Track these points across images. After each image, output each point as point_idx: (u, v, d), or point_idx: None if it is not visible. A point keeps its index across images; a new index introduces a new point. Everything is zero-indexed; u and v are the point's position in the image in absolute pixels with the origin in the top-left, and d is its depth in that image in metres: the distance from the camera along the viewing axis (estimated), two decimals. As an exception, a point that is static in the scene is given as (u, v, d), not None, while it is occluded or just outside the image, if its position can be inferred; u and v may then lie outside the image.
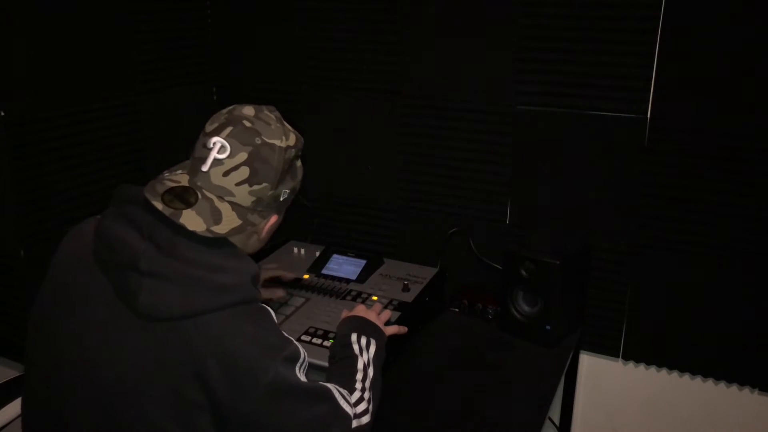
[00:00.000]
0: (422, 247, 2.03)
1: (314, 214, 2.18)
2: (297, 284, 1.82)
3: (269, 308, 1.08)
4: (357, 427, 1.11)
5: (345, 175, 2.11)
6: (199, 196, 1.02)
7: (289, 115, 2.07)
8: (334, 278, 1.86)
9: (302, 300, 1.75)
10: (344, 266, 1.90)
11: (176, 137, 1.96)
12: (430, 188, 2.00)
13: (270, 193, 1.07)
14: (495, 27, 1.79)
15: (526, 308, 1.74)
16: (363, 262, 1.90)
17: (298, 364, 1.05)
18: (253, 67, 2.16)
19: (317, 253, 1.97)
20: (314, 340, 1.57)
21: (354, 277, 1.85)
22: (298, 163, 1.16)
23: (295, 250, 2.03)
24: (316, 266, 1.91)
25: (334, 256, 1.94)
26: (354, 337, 1.32)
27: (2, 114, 1.54)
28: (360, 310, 1.46)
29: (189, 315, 0.97)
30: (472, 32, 1.82)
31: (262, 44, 2.12)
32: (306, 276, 1.87)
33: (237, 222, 1.04)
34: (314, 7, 2.00)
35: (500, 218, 1.93)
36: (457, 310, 1.90)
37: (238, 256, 1.05)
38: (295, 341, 1.07)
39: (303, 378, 1.05)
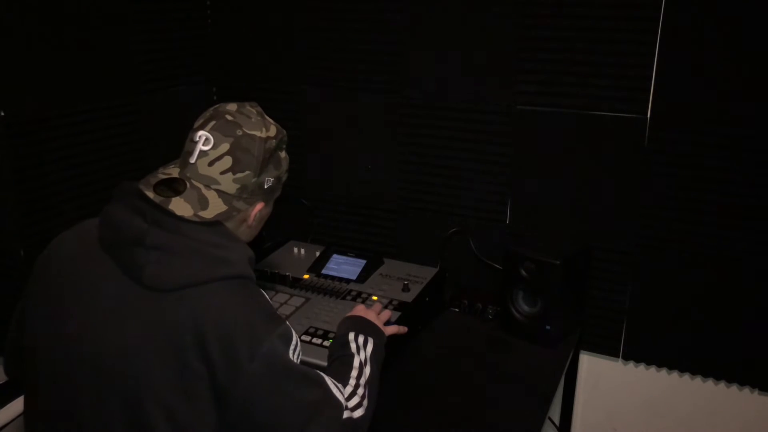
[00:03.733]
0: (422, 247, 2.03)
1: (314, 214, 2.18)
2: (297, 284, 1.82)
3: (264, 292, 1.13)
4: (348, 419, 1.12)
5: (345, 175, 2.11)
6: (188, 185, 1.09)
7: (290, 115, 2.10)
8: (334, 278, 1.86)
9: (302, 300, 1.75)
10: (344, 266, 1.90)
11: (176, 137, 1.95)
12: (430, 188, 2.00)
13: (253, 180, 1.14)
14: (495, 27, 1.79)
15: (526, 308, 1.74)
16: (363, 262, 1.90)
17: (292, 346, 1.08)
18: (253, 67, 2.16)
19: (317, 253, 1.97)
20: (314, 340, 1.57)
21: (354, 277, 1.85)
22: (283, 154, 1.22)
23: (295, 250, 2.03)
24: (316, 266, 1.91)
25: (334, 256, 1.94)
26: (352, 335, 1.33)
27: (2, 114, 1.54)
28: (359, 310, 1.46)
29: (191, 284, 1.03)
30: (472, 32, 1.82)
31: (262, 44, 2.12)
32: (306, 276, 1.87)
33: (223, 208, 1.10)
34: (315, 7, 2.00)
35: (500, 218, 1.93)
36: (457, 310, 1.90)
37: (234, 238, 1.13)
38: (288, 323, 1.11)
39: (297, 361, 1.09)
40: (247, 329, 1.02)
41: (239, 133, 1.12)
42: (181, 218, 1.05)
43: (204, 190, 1.10)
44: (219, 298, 1.03)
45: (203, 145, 1.10)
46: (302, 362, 1.11)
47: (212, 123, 1.12)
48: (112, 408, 1.02)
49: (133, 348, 1.01)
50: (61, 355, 1.06)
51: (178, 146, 1.15)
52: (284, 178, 1.23)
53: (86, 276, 1.08)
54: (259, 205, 1.18)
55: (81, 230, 1.16)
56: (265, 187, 1.17)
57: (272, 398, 1.03)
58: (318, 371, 1.13)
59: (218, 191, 1.10)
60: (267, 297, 1.12)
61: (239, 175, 1.11)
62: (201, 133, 1.11)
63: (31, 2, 1.58)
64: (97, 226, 1.11)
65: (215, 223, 1.09)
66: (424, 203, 2.02)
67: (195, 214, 1.07)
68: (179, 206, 1.06)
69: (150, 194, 1.06)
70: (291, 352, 1.07)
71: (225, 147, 1.10)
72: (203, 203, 1.08)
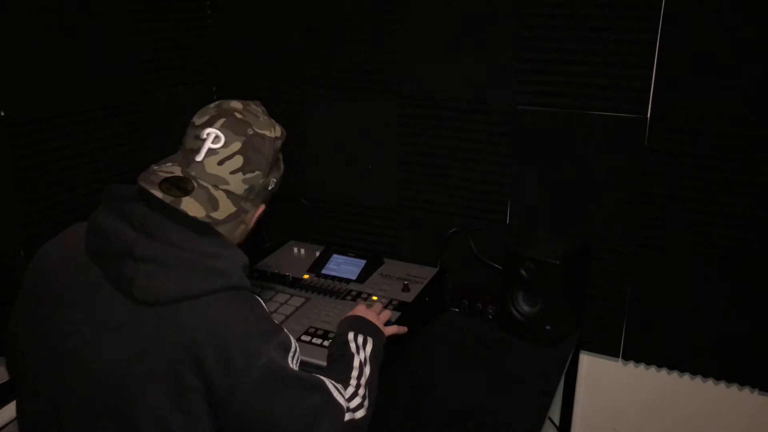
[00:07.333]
0: (422, 247, 2.03)
1: (314, 214, 2.18)
2: (297, 284, 1.82)
3: (259, 298, 1.10)
4: (350, 420, 1.12)
5: (345, 175, 2.11)
6: (195, 184, 1.05)
7: (289, 115, 2.10)
8: (334, 278, 1.86)
9: (302, 300, 1.75)
10: (344, 266, 1.90)
11: (176, 137, 1.96)
12: (430, 188, 2.00)
13: (261, 181, 1.11)
14: (495, 27, 1.79)
15: (526, 308, 1.74)
16: (363, 262, 1.90)
17: (291, 353, 1.06)
18: (253, 67, 2.16)
19: (317, 253, 1.97)
20: (314, 340, 1.57)
21: (354, 277, 1.85)
22: (280, 156, 1.20)
23: (295, 250, 2.03)
24: (316, 266, 1.91)
25: (334, 256, 1.94)
26: (351, 335, 1.33)
27: (2, 114, 1.54)
28: (360, 310, 1.45)
29: (184, 298, 0.99)
30: (472, 32, 1.82)
31: (262, 44, 2.12)
32: (306, 276, 1.87)
33: (232, 209, 1.07)
34: (314, 7, 2.00)
35: (500, 218, 1.93)
36: (457, 310, 1.90)
37: (228, 245, 1.08)
38: (286, 330, 1.09)
39: (295, 368, 1.07)
40: (244, 342, 0.99)
41: (250, 132, 1.09)
42: (173, 225, 1.02)
43: (212, 190, 1.06)
44: (213, 311, 1.00)
45: (212, 143, 1.06)
46: (302, 363, 1.10)
47: (222, 120, 1.08)
48: (104, 420, 1.00)
49: (125, 361, 0.99)
50: (52, 366, 1.04)
51: (178, 146, 1.14)
52: (281, 181, 1.20)
53: (76, 287, 1.05)
54: (262, 208, 1.15)
55: (68, 237, 1.13)
56: (269, 188, 1.15)
57: (272, 408, 1.02)
58: (318, 375, 1.12)
59: (227, 192, 1.07)
60: (263, 305, 1.10)
61: (249, 175, 1.08)
62: (210, 130, 1.07)
63: (31, 2, 1.58)
64: (84, 232, 1.07)
65: (208, 230, 1.05)
66: (424, 203, 2.02)
67: (207, 215, 1.03)
68: (191, 206, 1.02)
69: (158, 193, 1.01)
70: (290, 359, 1.06)
71: (237, 146, 1.07)
72: (213, 204, 1.05)
